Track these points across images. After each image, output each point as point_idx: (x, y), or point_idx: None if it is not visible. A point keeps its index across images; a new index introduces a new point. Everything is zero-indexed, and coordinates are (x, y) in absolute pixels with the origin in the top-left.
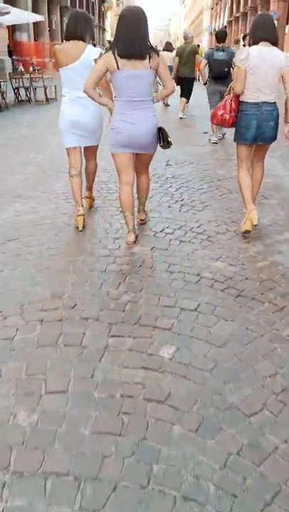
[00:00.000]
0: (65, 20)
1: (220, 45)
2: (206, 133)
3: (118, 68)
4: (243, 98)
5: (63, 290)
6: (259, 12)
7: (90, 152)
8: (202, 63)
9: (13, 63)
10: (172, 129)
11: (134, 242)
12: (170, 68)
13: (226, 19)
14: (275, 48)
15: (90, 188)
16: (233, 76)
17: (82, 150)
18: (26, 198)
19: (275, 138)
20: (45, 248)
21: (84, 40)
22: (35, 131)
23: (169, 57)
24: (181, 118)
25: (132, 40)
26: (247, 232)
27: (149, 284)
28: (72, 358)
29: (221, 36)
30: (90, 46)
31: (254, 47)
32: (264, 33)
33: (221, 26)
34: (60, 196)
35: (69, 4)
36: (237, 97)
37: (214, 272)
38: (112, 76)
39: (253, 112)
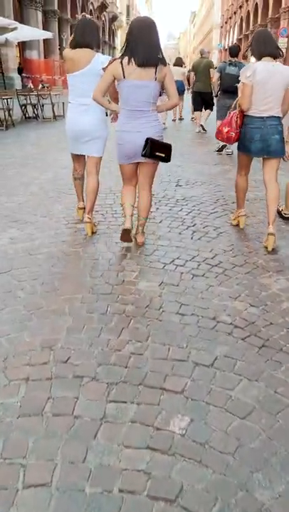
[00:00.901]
0: None
1: (233, 60)
2: (230, 153)
3: (124, 77)
4: (248, 112)
5: (56, 338)
6: (259, 29)
7: (92, 164)
8: (215, 76)
9: (22, 80)
10: (184, 146)
11: (130, 230)
12: (180, 83)
13: (235, 37)
14: (279, 63)
15: (89, 211)
16: (240, 91)
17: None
18: (24, 223)
19: (283, 152)
20: (40, 283)
21: (91, 48)
22: (40, 150)
23: (179, 72)
24: (198, 132)
25: (141, 47)
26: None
27: (157, 331)
28: (60, 432)
29: (234, 51)
30: (98, 54)
31: (259, 63)
32: (266, 48)
33: (230, 44)
34: (61, 221)
35: None
36: (242, 112)
37: (233, 314)
38: (118, 84)
39: (257, 125)
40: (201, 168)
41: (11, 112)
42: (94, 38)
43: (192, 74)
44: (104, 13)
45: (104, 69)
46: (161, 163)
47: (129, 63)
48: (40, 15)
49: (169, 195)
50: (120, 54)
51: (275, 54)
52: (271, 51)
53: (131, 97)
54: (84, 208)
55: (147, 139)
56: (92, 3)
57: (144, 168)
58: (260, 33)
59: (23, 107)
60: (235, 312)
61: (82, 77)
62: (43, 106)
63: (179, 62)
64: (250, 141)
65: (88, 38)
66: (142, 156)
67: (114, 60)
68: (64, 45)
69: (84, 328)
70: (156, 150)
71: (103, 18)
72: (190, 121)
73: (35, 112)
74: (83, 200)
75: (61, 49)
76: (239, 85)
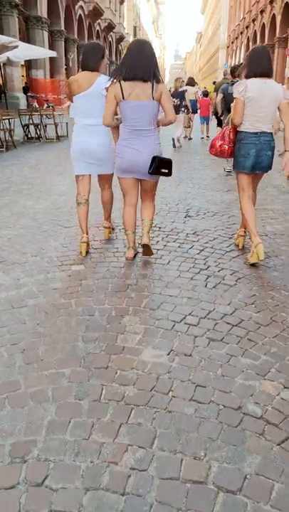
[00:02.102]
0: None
1: (235, 80)
2: (228, 171)
3: (123, 98)
4: (241, 128)
5: (32, 440)
6: (256, 45)
7: (103, 180)
8: (218, 97)
9: (27, 100)
10: (193, 170)
11: (133, 258)
12: (193, 102)
13: (242, 56)
14: (271, 80)
15: (107, 218)
16: (232, 108)
17: (96, 178)
18: (10, 264)
19: (271, 167)
20: (19, 350)
21: (97, 70)
22: (39, 173)
23: (192, 92)
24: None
25: (136, 64)
26: (255, 264)
27: (165, 429)
28: None
29: (236, 71)
30: (102, 75)
31: (252, 79)
32: (259, 67)
33: (236, 63)
34: (54, 261)
35: (86, 43)
36: (235, 128)
37: (262, 401)
38: (119, 105)
39: (252, 141)
40: (212, 195)
41: (12, 132)
42: (98, 61)
43: (220, 96)
44: (112, 33)
45: (106, 89)
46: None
47: (125, 77)
48: (46, 35)
49: (178, 229)
50: (115, 71)
51: (267, 73)
52: (264, 70)
53: (131, 117)
54: (88, 243)
55: (154, 157)
56: (98, 23)
57: (146, 185)
58: (256, 50)
59: (26, 127)
60: (266, 398)
61: (86, 98)
62: (45, 126)
63: (191, 82)
64: (245, 156)
65: (92, 61)
66: (149, 173)
67: (113, 81)
68: (70, 65)
69: (70, 423)
70: (161, 167)
71: (110, 39)
72: (199, 142)
73: (38, 133)
74: (87, 233)
75: (67, 69)
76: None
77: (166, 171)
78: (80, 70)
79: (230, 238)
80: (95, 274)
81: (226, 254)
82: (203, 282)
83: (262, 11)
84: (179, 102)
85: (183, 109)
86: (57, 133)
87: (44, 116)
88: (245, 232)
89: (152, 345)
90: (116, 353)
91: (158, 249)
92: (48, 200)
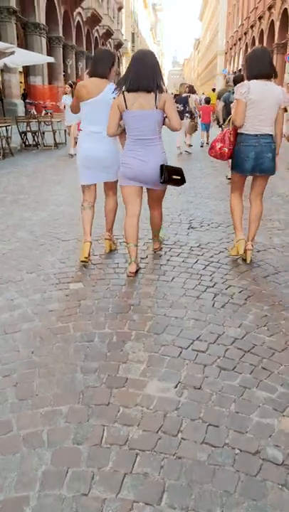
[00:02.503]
0: (80, 65)
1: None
2: (229, 179)
3: (126, 108)
4: (241, 130)
5: (23, 497)
6: (254, 48)
7: (109, 187)
8: (219, 105)
9: (25, 106)
10: (194, 178)
11: (135, 273)
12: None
13: (240, 63)
14: (272, 82)
15: (109, 229)
16: (232, 110)
17: (102, 185)
18: (5, 283)
19: (274, 171)
20: (12, 384)
21: (106, 77)
22: (36, 182)
23: (192, 99)
24: None
25: (140, 75)
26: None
27: (175, 481)
28: None
29: (237, 80)
30: (111, 83)
31: (253, 81)
32: (260, 68)
33: (235, 70)
34: (51, 279)
35: (85, 49)
36: (236, 130)
37: (283, 444)
38: (122, 115)
39: (251, 143)
40: (215, 205)
41: (9, 140)
42: (107, 68)
43: (222, 103)
44: (110, 40)
45: (115, 98)
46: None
47: (129, 88)
48: (44, 41)
49: (182, 241)
50: (119, 83)
51: (268, 75)
52: (265, 71)
53: (135, 127)
54: (91, 242)
55: (162, 166)
56: (97, 30)
57: (154, 193)
58: (256, 51)
59: (23, 135)
60: (286, 440)
61: (94, 105)
62: (43, 133)
63: (191, 90)
64: (244, 159)
65: (102, 68)
66: (161, 183)
67: (119, 91)
68: (68, 71)
69: (67, 474)
70: (172, 174)
71: (108, 45)
72: (199, 149)
73: (36, 140)
74: (91, 234)
75: (66, 75)
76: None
77: (179, 177)
78: (89, 76)
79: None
80: (95, 293)
81: (233, 270)
82: (210, 301)
83: (260, 17)
84: (182, 108)
85: (187, 114)
86: (55, 140)
87: (42, 123)
88: (243, 237)
89: (158, 377)
90: (118, 386)
91: (161, 265)
92: (46, 210)
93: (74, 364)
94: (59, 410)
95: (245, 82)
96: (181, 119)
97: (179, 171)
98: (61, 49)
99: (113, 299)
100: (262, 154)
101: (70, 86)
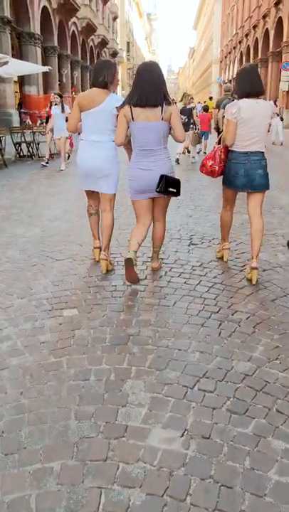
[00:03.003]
0: (76, 74)
1: (236, 96)
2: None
3: (133, 119)
4: (232, 147)
5: None
6: (244, 65)
7: (105, 201)
8: (220, 113)
9: (20, 116)
10: (193, 190)
11: (132, 261)
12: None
13: (235, 71)
14: (262, 100)
15: (105, 248)
16: (223, 127)
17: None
18: None
19: (267, 186)
20: None
21: (107, 87)
22: (30, 195)
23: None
24: None
25: (147, 90)
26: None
27: None
28: None
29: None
30: (112, 94)
31: (244, 100)
32: (252, 86)
33: (230, 78)
34: (43, 305)
35: (80, 58)
36: (226, 148)
37: None
38: (129, 125)
39: (241, 160)
40: (216, 219)
41: (3, 151)
42: (108, 78)
43: (219, 112)
44: (105, 49)
45: (117, 108)
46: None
47: (136, 104)
48: (39, 51)
49: (183, 259)
50: (127, 96)
51: (259, 93)
52: (255, 89)
53: (141, 138)
54: (100, 247)
55: (162, 176)
56: (92, 39)
57: (160, 202)
58: (245, 69)
59: (17, 145)
60: None
61: (96, 115)
62: (38, 144)
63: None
64: (234, 176)
65: (102, 78)
66: (156, 191)
67: (124, 104)
68: (64, 81)
69: None
70: (169, 186)
71: (103, 54)
72: (197, 158)
73: (30, 151)
74: (99, 239)
75: (61, 85)
76: (224, 121)
77: (174, 190)
78: (90, 86)
79: (242, 271)
80: (90, 321)
81: (239, 292)
82: (216, 330)
83: (255, 26)
84: (186, 120)
85: (192, 126)
86: (50, 150)
87: (37, 134)
88: (228, 246)
89: (161, 424)
90: (117, 436)
91: (162, 287)
92: (39, 226)
93: (67, 408)
94: (50, 468)
95: (236, 101)
96: (186, 130)
97: (177, 183)
98: (56, 58)
99: (110, 328)
100: (252, 171)
101: (60, 96)
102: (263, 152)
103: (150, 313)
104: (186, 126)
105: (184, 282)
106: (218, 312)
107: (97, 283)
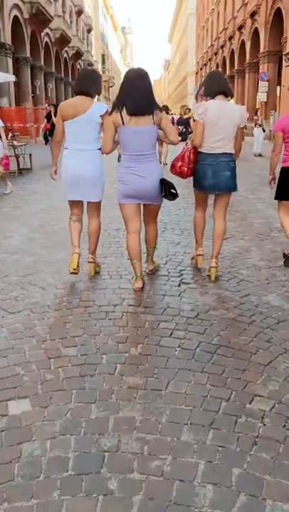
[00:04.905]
0: (50, 85)
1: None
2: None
3: (123, 124)
4: (200, 149)
5: None
6: (211, 70)
7: (92, 208)
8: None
9: None
10: (178, 210)
11: (142, 288)
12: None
13: None
14: (231, 102)
15: (93, 252)
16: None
17: (86, 204)
18: None
19: (235, 188)
20: None
21: (91, 96)
22: None
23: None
24: None
25: (138, 98)
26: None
27: None
28: None
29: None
30: (97, 102)
31: (211, 101)
32: (219, 86)
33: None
34: (16, 336)
35: (54, 70)
36: (195, 148)
37: None
38: (118, 131)
39: (209, 162)
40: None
41: None
42: (92, 87)
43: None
44: (80, 61)
45: (101, 116)
46: None
47: (128, 112)
48: (10, 61)
49: (173, 308)
50: (115, 104)
51: (227, 92)
52: (224, 89)
53: (132, 142)
54: (79, 254)
55: (161, 180)
56: (66, 51)
57: (151, 208)
58: (213, 73)
59: None
60: None
61: (80, 124)
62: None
63: (166, 110)
64: (202, 177)
65: (86, 86)
66: (163, 196)
67: (112, 111)
68: (37, 92)
69: None
70: (170, 188)
71: (78, 66)
72: None
73: None
74: (79, 246)
75: (34, 96)
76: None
77: (175, 191)
78: (74, 94)
79: (250, 324)
80: (46, 425)
81: (253, 361)
82: (231, 436)
83: (230, 38)
84: (184, 130)
85: (190, 135)
86: (18, 166)
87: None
88: (202, 252)
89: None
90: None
91: (149, 355)
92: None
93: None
94: None
95: (203, 102)
96: (184, 140)
97: (173, 186)
98: (29, 69)
99: (76, 438)
100: (219, 173)
101: (54, 106)
102: (231, 154)
103: (133, 407)
104: (185, 136)
105: (178, 346)
106: (229, 399)
107: (61, 351)
